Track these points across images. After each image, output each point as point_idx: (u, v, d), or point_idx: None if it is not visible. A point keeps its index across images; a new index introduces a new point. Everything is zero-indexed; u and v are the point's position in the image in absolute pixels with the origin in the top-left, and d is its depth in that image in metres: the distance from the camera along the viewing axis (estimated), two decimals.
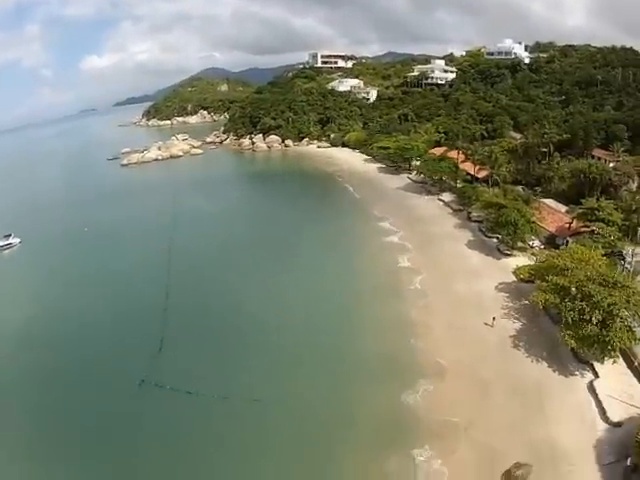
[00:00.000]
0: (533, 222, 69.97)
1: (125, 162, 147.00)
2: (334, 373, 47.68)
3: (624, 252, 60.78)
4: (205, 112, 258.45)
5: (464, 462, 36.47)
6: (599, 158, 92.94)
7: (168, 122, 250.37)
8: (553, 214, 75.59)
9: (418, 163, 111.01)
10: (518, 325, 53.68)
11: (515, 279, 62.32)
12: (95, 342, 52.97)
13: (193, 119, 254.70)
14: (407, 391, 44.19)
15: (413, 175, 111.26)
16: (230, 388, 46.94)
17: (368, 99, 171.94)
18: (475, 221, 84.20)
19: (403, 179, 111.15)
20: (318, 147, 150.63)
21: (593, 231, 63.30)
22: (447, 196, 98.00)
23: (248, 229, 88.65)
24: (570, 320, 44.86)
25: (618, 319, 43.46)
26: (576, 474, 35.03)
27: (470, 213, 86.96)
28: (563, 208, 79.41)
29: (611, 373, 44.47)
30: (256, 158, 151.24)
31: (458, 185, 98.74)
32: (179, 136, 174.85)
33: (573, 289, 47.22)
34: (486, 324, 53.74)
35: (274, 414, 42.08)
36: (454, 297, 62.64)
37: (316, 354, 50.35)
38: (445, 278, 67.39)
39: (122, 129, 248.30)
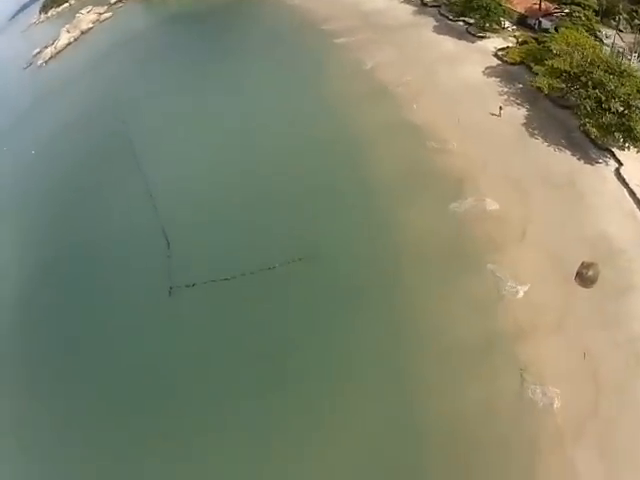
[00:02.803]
0: (502, 3, 65.54)
1: (41, 62, 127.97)
2: (369, 205, 44.91)
3: (603, 35, 57.08)
4: None
5: (535, 268, 34.98)
6: None
7: (66, 4, 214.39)
8: None
9: None
10: (524, 112, 50.07)
11: (500, 62, 57.61)
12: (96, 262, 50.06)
13: None
14: (453, 204, 42.08)
15: None
16: (265, 258, 39.14)
17: None
18: (432, 6, 76.40)
19: None
20: None
21: (569, 14, 59.01)
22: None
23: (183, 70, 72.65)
24: (589, 109, 42.47)
25: (635, 109, 41.06)
26: (635, 267, 33.10)
27: None
28: None
29: (632, 161, 41.45)
30: (167, 2, 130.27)
31: None
32: (82, 10, 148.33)
33: (583, 78, 44.20)
34: (493, 114, 49.92)
35: (325, 266, 39.92)
36: (446, 88, 58.89)
37: (340, 193, 47.20)
38: (425, 69, 58.79)
39: (24, 34, 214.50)
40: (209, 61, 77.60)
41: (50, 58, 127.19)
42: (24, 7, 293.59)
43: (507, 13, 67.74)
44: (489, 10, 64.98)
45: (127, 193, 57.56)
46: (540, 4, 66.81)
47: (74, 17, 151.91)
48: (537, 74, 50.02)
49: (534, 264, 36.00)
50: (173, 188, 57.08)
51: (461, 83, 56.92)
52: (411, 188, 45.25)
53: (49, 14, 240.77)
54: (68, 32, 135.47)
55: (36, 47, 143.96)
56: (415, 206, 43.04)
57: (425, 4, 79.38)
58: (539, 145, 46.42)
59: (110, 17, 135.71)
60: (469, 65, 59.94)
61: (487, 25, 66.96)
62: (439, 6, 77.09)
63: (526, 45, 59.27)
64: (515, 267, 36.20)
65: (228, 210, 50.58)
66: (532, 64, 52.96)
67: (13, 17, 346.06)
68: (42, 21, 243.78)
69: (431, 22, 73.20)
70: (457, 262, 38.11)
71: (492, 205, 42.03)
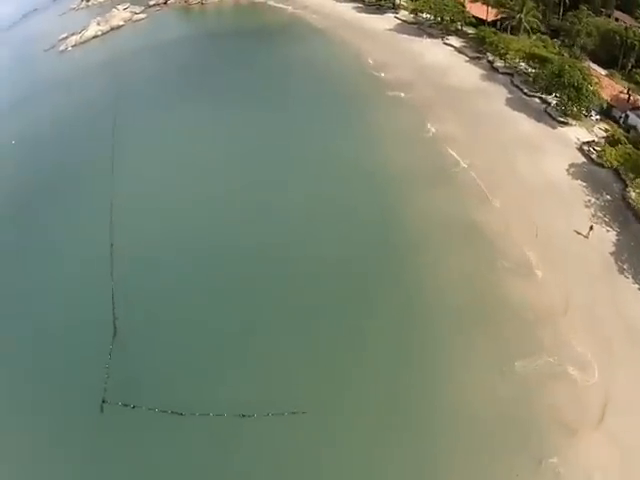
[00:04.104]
0: (595, 88, 56.60)
1: (63, 48, 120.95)
2: (407, 358, 35.66)
3: None
4: None
5: None
6: (617, 19, 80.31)
7: None
8: (601, 79, 61.58)
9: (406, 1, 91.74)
10: (613, 236, 41.06)
11: (585, 160, 49.56)
12: None
13: None
14: (520, 361, 33.84)
15: (402, 15, 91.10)
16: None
17: None
18: (504, 73, 68.90)
19: (390, 20, 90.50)
20: None
21: None
22: (455, 41, 75.45)
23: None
24: None
25: None
26: None
27: (493, 63, 71.87)
28: (600, 70, 65.89)
29: None
30: (207, 13, 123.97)
31: (463, 28, 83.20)
32: (119, 6, 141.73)
33: None
34: (579, 233, 41.11)
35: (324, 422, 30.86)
36: (524, 183, 47.69)
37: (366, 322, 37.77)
38: (499, 151, 49.64)
39: (61, 18, 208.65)
40: (236, 97, 67.24)
41: (73, 46, 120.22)
42: None
43: (597, 98, 58.00)
44: (580, 91, 55.70)
45: (84, 236, 47.61)
46: (629, 94, 58.52)
47: (111, 10, 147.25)
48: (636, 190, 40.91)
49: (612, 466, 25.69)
50: (145, 253, 46.12)
51: (541, 180, 47.26)
52: (468, 330, 35.59)
53: (90, 3, 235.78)
54: (98, 25, 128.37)
55: (64, 32, 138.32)
56: (470, 360, 33.15)
57: (495, 69, 70.72)
58: (630, 286, 36.69)
59: (143, 19, 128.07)
60: (550, 157, 50.47)
61: (573, 110, 57.87)
62: (512, 74, 68.17)
63: (622, 147, 49.69)
64: (587, 469, 25.75)
65: (217, 306, 40.35)
66: (630, 174, 45.35)
67: None
68: (82, 8, 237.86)
69: (502, 92, 63.87)
70: (510, 452, 27.86)
71: (572, 369, 31.94)
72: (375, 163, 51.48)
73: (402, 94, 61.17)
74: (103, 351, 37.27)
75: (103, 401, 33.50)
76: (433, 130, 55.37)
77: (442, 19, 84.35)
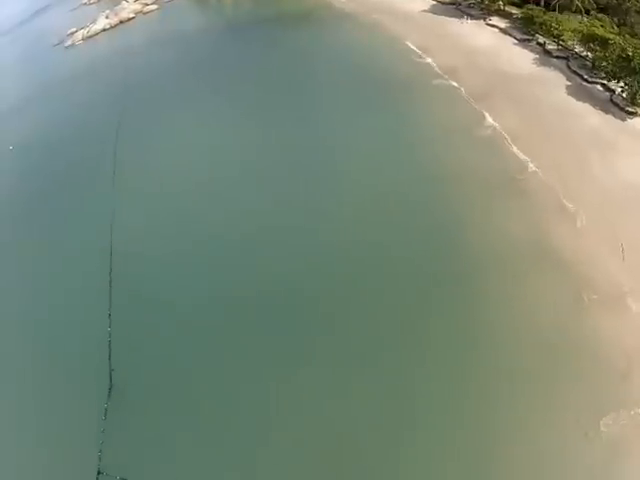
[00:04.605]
0: None
1: (69, 43, 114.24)
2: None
3: None
4: None
5: None
6: None
7: None
8: None
9: None
10: None
11: None
12: None
13: None
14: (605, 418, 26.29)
15: None
16: None
17: None
18: (559, 57, 60.86)
19: (424, 1, 79.04)
20: None
21: None
22: (499, 21, 66.08)
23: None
24: None
25: None
26: None
27: (544, 45, 63.48)
28: None
29: None
30: (224, 2, 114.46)
31: (506, 8, 73.58)
32: None
33: None
34: None
35: None
36: (602, 189, 39.42)
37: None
38: (569, 150, 43.70)
39: (72, 13, 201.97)
40: (259, 94, 58.00)
41: (79, 41, 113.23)
42: None
43: None
44: None
45: (77, 262, 39.38)
46: None
47: (121, 3, 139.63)
48: None
49: None
50: (150, 286, 38.52)
51: (620, 185, 39.09)
52: (545, 377, 28.62)
53: None
54: (107, 18, 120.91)
55: (73, 27, 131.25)
56: (548, 419, 25.00)
57: (548, 52, 62.35)
58: None
59: (155, 10, 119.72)
60: (626, 155, 42.47)
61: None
62: (567, 58, 59.95)
63: None
64: None
65: (237, 361, 32.48)
66: None
67: None
68: (92, 2, 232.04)
69: (560, 79, 55.41)
70: None
71: None
72: (425, 169, 42.53)
73: (450, 82, 52.04)
74: (97, 410, 30.25)
75: (98, 472, 27.12)
76: (492, 125, 45.97)
77: None
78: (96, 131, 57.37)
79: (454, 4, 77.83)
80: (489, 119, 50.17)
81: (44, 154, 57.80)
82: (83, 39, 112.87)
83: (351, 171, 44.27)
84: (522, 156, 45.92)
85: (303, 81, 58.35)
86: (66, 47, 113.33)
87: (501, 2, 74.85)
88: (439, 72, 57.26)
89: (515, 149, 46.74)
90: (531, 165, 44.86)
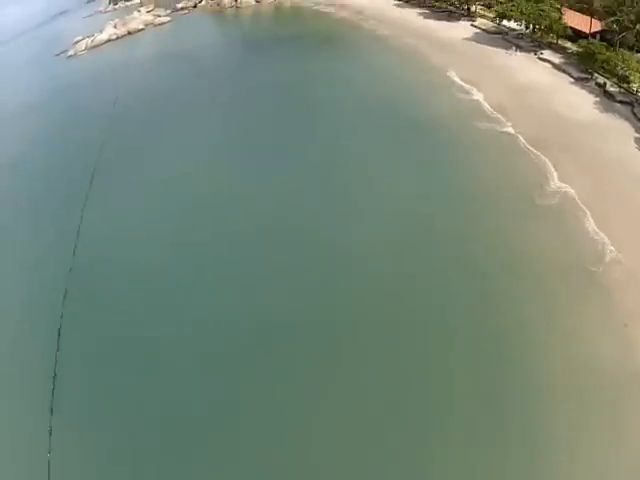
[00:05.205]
0: None
1: (72, 52, 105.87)
2: None
3: None
4: None
5: None
6: None
7: (137, 0, 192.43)
8: None
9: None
10: None
11: None
12: None
13: None
14: None
15: (480, 23, 71.84)
16: None
17: None
18: (622, 102, 52.25)
19: (466, 28, 70.68)
20: None
21: None
22: (551, 56, 55.20)
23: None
24: None
25: None
26: None
27: (604, 86, 54.74)
28: None
29: None
30: (241, 16, 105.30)
31: (559, 42, 64.42)
32: (142, 9, 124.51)
33: None
34: None
35: None
36: None
37: None
38: None
39: (84, 20, 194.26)
40: (276, 125, 46.96)
41: (82, 51, 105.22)
42: None
43: None
44: None
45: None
46: None
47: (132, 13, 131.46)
48: None
49: None
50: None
51: None
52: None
53: (117, 6, 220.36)
54: (114, 28, 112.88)
55: (80, 35, 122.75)
56: None
57: (610, 95, 53.01)
58: None
59: (167, 23, 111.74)
60: None
61: None
62: (631, 104, 50.37)
63: None
64: None
65: None
66: None
67: (91, 0, 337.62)
68: (108, 11, 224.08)
69: (627, 129, 45.58)
70: None
71: None
72: (472, 254, 31.84)
73: (502, 126, 41.57)
74: None
75: None
76: (559, 190, 35.28)
77: (535, 28, 65.07)
78: (71, 160, 47.26)
79: (500, 33, 68.46)
80: (554, 179, 39.74)
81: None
82: (87, 49, 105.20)
83: (376, 261, 33.66)
84: (598, 235, 35.40)
85: (325, 115, 47.83)
86: (67, 57, 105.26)
87: (554, 36, 65.27)
88: (487, 111, 46.98)
89: (588, 224, 36.27)
90: (611, 249, 34.27)
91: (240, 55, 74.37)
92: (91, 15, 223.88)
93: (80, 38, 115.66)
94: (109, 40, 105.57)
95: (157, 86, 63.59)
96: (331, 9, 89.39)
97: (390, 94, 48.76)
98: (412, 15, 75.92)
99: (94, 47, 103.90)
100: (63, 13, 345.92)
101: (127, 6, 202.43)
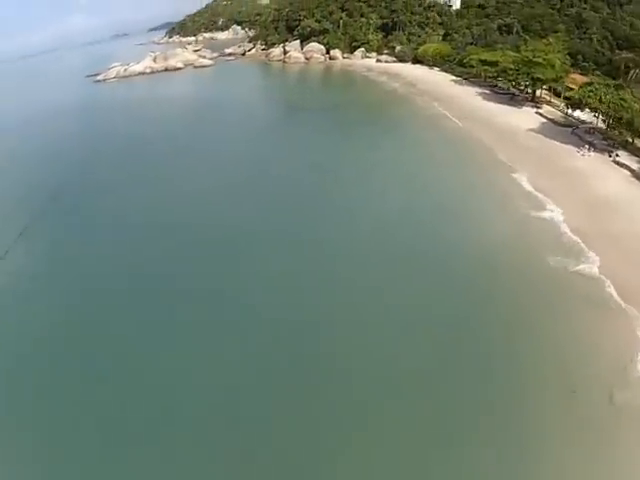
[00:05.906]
0: None
1: (101, 78, 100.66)
2: None
3: None
4: (239, 27, 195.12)
5: None
6: None
7: (192, 38, 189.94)
8: None
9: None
10: None
11: None
12: None
13: (223, 35, 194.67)
14: None
15: (545, 110, 60.81)
16: None
17: (450, 5, 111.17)
18: None
19: (530, 116, 57.39)
20: (377, 61, 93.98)
21: None
22: (628, 159, 41.53)
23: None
24: None
25: None
26: None
27: None
28: None
29: None
30: (287, 71, 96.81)
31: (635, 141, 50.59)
32: (189, 47, 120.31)
33: None
34: None
35: None
36: None
37: None
38: None
39: (137, 48, 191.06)
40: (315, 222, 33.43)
41: (112, 78, 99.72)
42: (169, 24, 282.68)
43: None
44: None
45: None
46: None
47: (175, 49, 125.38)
48: None
49: None
50: None
51: None
52: None
53: (172, 40, 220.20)
54: (154, 61, 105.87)
55: (118, 61, 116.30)
56: None
57: None
58: None
59: (208, 66, 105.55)
60: None
61: None
62: None
63: None
64: None
65: None
66: None
67: (154, 29, 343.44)
68: (161, 43, 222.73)
69: None
70: None
71: None
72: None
73: (584, 265, 27.67)
74: None
75: None
76: None
77: (614, 123, 52.30)
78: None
79: (570, 126, 56.05)
80: None
81: None
82: (117, 77, 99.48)
83: None
84: None
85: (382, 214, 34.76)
86: (95, 81, 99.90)
87: (632, 134, 52.38)
88: (572, 238, 32.30)
89: None
90: None
91: (270, 120, 62.53)
92: (144, 44, 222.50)
93: (116, 65, 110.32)
94: (142, 73, 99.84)
95: (162, 138, 52.72)
96: (383, 78, 79.48)
97: (437, 203, 36.02)
98: (470, 94, 65.27)
99: (125, 77, 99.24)
100: (122, 35, 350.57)
101: (181, 41, 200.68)
